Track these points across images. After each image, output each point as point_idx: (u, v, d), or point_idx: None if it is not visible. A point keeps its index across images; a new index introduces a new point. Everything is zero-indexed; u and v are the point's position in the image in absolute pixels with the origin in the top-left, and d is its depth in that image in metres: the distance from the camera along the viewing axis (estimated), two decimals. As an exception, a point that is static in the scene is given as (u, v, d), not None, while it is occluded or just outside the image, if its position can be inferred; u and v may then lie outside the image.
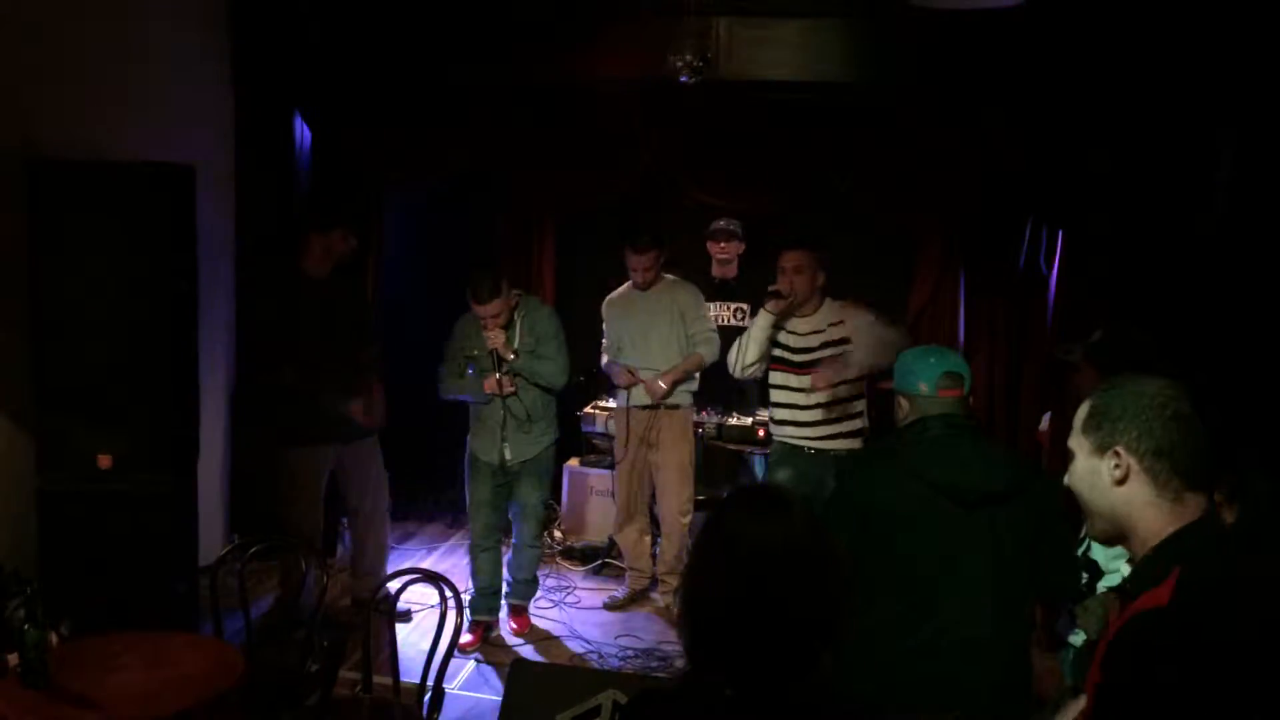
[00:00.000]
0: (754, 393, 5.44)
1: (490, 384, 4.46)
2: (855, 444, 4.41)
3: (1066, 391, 4.21)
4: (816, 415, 4.41)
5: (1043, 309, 5.25)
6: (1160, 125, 4.61)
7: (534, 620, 4.92)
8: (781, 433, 4.54)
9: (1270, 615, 1.55)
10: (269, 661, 3.48)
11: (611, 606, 5.13)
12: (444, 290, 5.15)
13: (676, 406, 4.93)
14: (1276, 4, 4.17)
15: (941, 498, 2.53)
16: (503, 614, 4.86)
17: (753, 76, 5.01)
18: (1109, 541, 1.78)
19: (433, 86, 5.37)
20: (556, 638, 4.81)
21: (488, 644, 4.69)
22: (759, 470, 5.38)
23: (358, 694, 3.42)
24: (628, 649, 4.68)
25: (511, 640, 4.74)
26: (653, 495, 5.14)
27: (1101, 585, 2.74)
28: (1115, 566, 2.71)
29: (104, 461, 3.92)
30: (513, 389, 4.48)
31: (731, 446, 5.51)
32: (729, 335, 5.15)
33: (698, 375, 4.99)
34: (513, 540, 4.81)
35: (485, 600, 4.75)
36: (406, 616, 4.73)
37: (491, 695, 4.19)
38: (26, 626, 2.75)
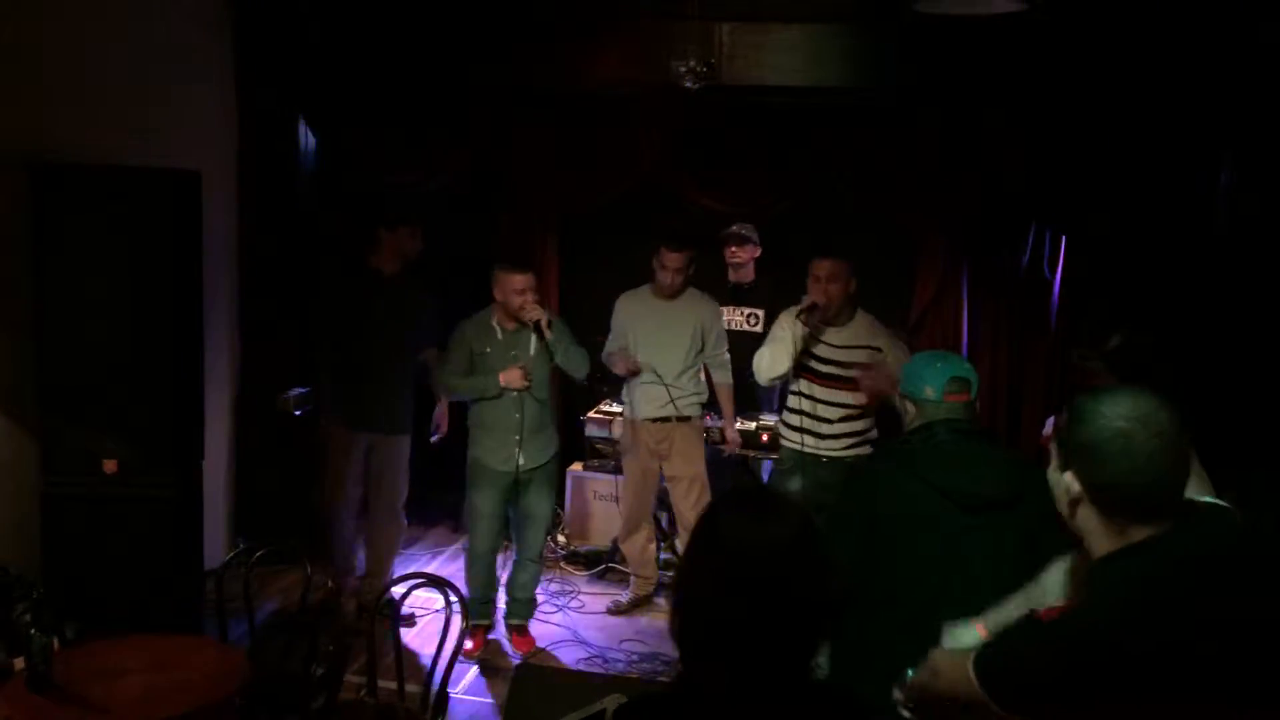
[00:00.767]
0: (762, 397, 5.42)
1: (514, 375, 4.38)
2: (867, 451, 4.39)
3: (1076, 395, 4.20)
4: (838, 428, 4.37)
5: (1046, 312, 5.25)
6: (1161, 128, 4.62)
7: (538, 622, 4.90)
8: (796, 440, 4.46)
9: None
10: (273, 665, 3.48)
11: (615, 611, 5.12)
12: (446, 291, 5.16)
13: (688, 418, 4.89)
14: (1277, 9, 4.17)
15: (947, 503, 2.53)
16: (500, 629, 4.81)
17: (755, 81, 5.02)
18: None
19: (436, 88, 5.38)
20: (560, 642, 4.81)
21: (492, 649, 4.69)
22: (765, 475, 5.37)
23: (362, 698, 3.42)
24: (632, 653, 4.67)
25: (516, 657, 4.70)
26: (659, 502, 5.12)
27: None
28: None
29: (109, 466, 3.92)
30: (528, 383, 4.43)
31: (736, 451, 5.50)
32: (741, 340, 5.15)
33: (706, 386, 4.98)
34: (514, 555, 4.74)
35: (482, 606, 4.68)
36: (411, 621, 4.72)
37: (495, 700, 4.19)
38: (33, 631, 2.75)
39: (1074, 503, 1.70)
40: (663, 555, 5.37)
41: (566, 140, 5.52)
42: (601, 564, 5.62)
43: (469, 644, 4.54)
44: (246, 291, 5.36)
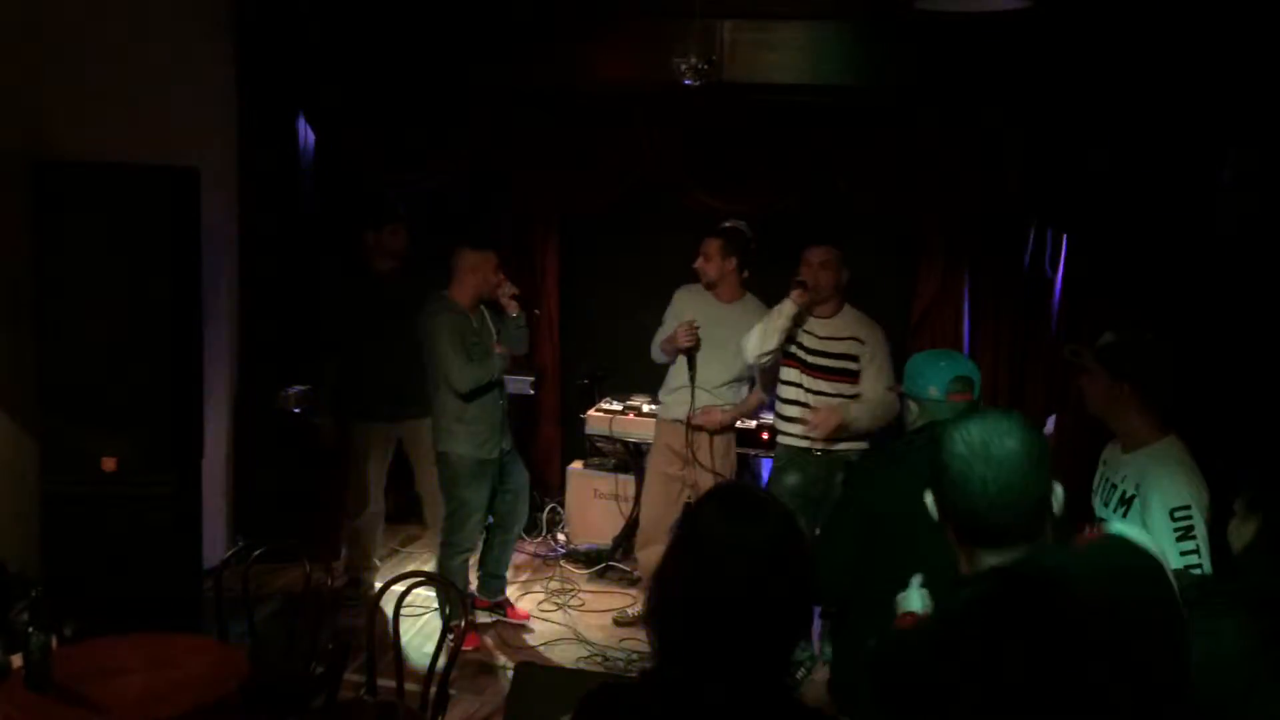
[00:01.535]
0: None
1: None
2: (862, 445, 4.38)
3: (1072, 394, 4.20)
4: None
5: (1047, 311, 5.24)
6: (1163, 127, 4.61)
7: (538, 620, 4.96)
8: (789, 434, 4.48)
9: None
10: (273, 664, 3.47)
11: (624, 622, 4.97)
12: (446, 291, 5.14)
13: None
14: (1278, 6, 4.16)
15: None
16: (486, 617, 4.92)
17: (756, 79, 5.00)
18: None
19: (436, 88, 5.38)
20: (560, 641, 4.81)
21: (492, 647, 4.69)
22: (764, 474, 5.36)
23: (362, 696, 3.41)
24: (632, 652, 4.67)
25: (514, 633, 4.77)
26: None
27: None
28: None
29: (108, 464, 3.92)
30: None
31: (736, 450, 5.48)
32: None
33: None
34: (504, 532, 4.84)
35: (496, 582, 4.89)
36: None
37: (495, 698, 4.18)
38: (32, 630, 2.75)
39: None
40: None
41: (567, 140, 5.50)
42: (602, 562, 5.60)
43: (469, 646, 4.56)
44: (245, 289, 5.36)
